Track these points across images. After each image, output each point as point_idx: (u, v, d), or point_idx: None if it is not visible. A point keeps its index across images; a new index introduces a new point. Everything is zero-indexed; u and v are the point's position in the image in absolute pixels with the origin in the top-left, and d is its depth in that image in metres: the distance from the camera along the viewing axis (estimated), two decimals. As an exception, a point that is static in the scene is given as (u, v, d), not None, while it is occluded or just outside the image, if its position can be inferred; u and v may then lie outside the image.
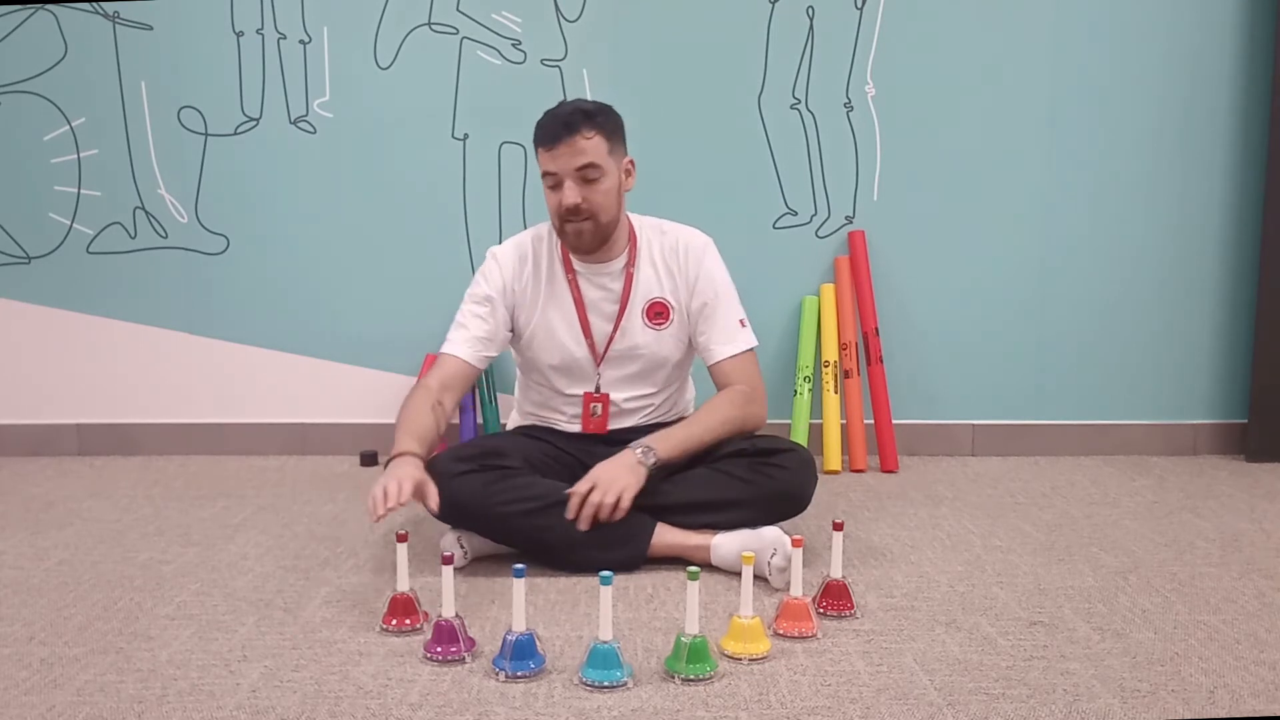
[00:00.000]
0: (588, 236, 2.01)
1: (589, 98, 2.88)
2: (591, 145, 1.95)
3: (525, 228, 2.89)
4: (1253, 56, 2.87)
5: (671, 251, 2.11)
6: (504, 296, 2.08)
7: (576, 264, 2.09)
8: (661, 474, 1.98)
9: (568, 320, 2.09)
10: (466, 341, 2.05)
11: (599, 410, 2.12)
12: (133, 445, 3.04)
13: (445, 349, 2.06)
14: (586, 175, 1.96)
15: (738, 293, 2.14)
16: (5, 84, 2.92)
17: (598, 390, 2.12)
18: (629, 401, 2.13)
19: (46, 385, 3.04)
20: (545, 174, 1.99)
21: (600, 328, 2.09)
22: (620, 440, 2.04)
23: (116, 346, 3.01)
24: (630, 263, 2.09)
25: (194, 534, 2.24)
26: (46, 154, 2.94)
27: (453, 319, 2.09)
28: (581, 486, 1.88)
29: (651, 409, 2.17)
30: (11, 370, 3.03)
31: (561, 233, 2.04)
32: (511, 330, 2.11)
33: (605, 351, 2.09)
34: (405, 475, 1.78)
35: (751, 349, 2.11)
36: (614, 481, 1.88)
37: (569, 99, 2.08)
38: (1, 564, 2.04)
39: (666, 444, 1.96)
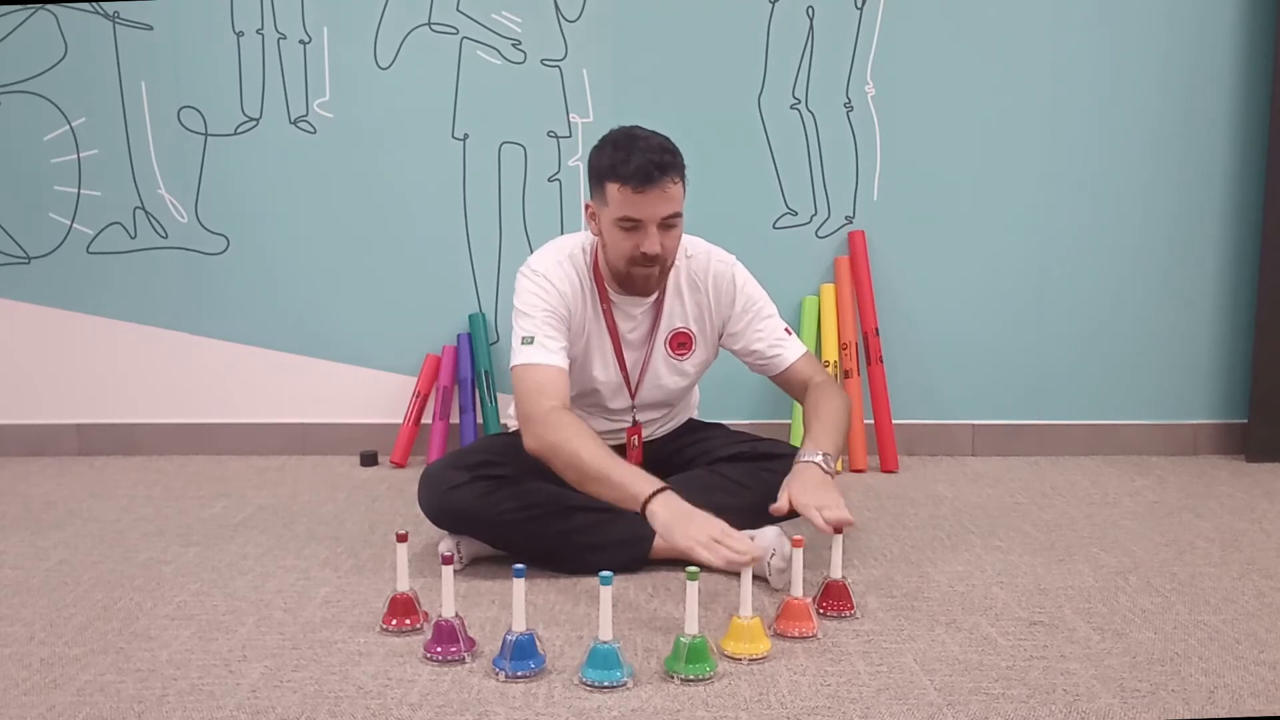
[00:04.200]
0: (653, 282, 1.93)
1: (587, 97, 2.90)
2: (678, 191, 1.86)
3: (525, 229, 2.92)
4: (1253, 57, 2.87)
5: (698, 277, 2.03)
6: (569, 312, 1.95)
7: (612, 294, 2.00)
8: (657, 471, 1.97)
9: (604, 353, 2.02)
10: (560, 350, 1.90)
11: (637, 442, 2.07)
12: (133, 445, 3.04)
13: (540, 360, 1.87)
14: (669, 222, 1.86)
15: None
16: (5, 84, 2.92)
17: (634, 423, 2.08)
18: (649, 425, 2.13)
19: (46, 385, 3.04)
20: (625, 218, 1.84)
21: (631, 360, 2.04)
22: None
23: (116, 346, 3.01)
24: (662, 292, 2.02)
25: (194, 534, 2.24)
26: (46, 154, 2.94)
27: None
28: (814, 515, 1.75)
29: (663, 420, 2.17)
30: (11, 370, 3.04)
31: (625, 275, 1.92)
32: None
33: (638, 386, 2.06)
34: (742, 539, 1.67)
35: (810, 351, 2.11)
36: (835, 499, 1.78)
37: (636, 128, 1.88)
38: (1, 564, 2.04)
39: (825, 443, 1.90)
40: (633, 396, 2.07)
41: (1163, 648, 1.62)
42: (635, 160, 1.81)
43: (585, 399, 2.08)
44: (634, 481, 1.74)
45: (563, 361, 1.90)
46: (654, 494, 1.71)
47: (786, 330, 2.08)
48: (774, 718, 1.40)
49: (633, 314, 2.02)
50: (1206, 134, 2.92)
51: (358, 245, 2.97)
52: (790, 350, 2.06)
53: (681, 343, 2.05)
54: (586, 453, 1.76)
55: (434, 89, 2.91)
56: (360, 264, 2.98)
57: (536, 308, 1.92)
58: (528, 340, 1.89)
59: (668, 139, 1.89)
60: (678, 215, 1.88)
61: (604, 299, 2.00)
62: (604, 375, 2.04)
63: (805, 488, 1.81)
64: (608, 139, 1.90)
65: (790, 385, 2.09)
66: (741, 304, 2.04)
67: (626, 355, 2.04)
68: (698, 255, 2.04)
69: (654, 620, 1.72)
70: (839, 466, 2.74)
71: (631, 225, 1.85)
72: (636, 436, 2.09)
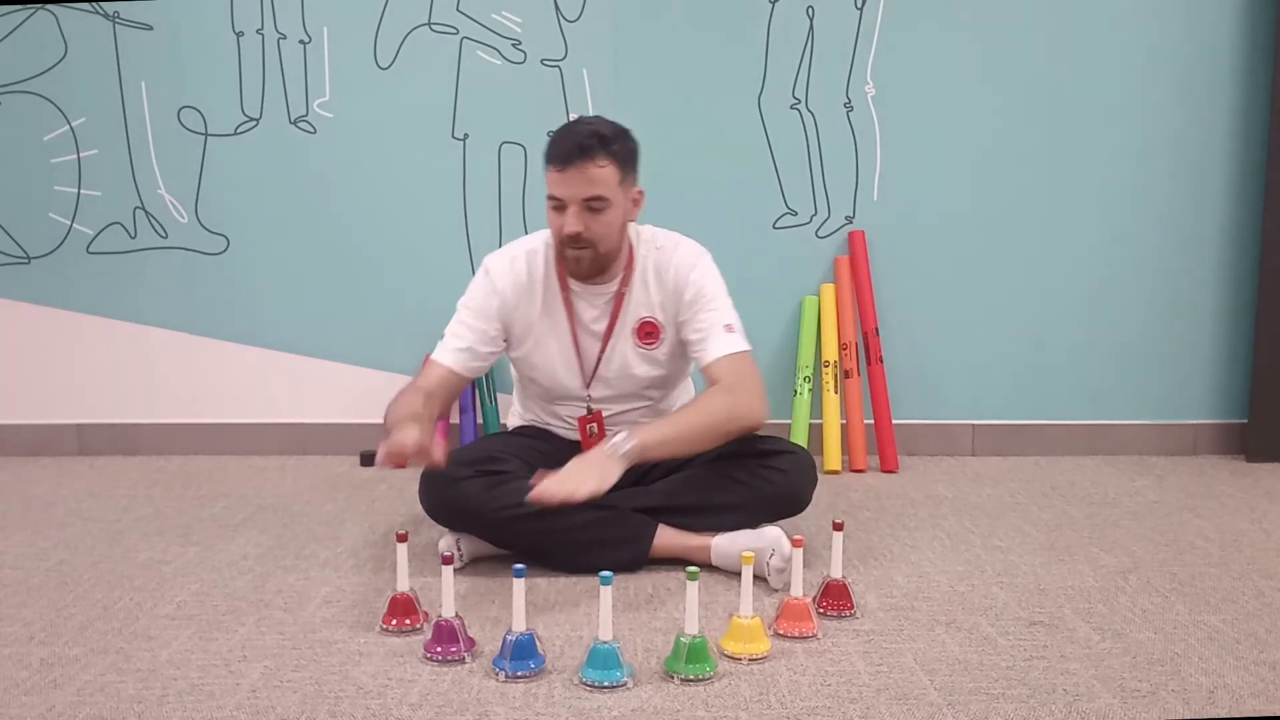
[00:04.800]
0: (585, 264, 1.97)
1: (587, 97, 2.90)
2: (603, 175, 1.89)
3: (525, 229, 2.92)
4: (1253, 57, 2.87)
5: (663, 268, 2.04)
6: (500, 311, 2.03)
7: (572, 282, 2.04)
8: (656, 470, 1.99)
9: (560, 339, 2.05)
10: (457, 351, 2.02)
11: (595, 430, 2.08)
12: (133, 445, 3.04)
13: (435, 356, 2.03)
14: (592, 205, 1.90)
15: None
16: (5, 84, 2.92)
17: (589, 411, 2.09)
18: (623, 415, 2.11)
19: (46, 385, 3.04)
20: (550, 196, 1.93)
21: (590, 347, 2.06)
22: None
23: (116, 346, 3.01)
24: (624, 282, 2.04)
25: (194, 534, 2.24)
26: (46, 154, 2.94)
27: (452, 320, 2.08)
28: (549, 482, 1.76)
29: (647, 414, 2.15)
30: (11, 370, 3.03)
31: (560, 255, 2.00)
32: (506, 341, 2.08)
33: (594, 373, 2.07)
34: (411, 432, 1.76)
35: (745, 351, 1.98)
36: (583, 480, 1.76)
37: (588, 116, 1.97)
38: (1, 564, 2.04)
39: (649, 434, 1.84)
40: (588, 384, 2.08)
41: (1163, 648, 1.62)
42: (562, 142, 1.90)
43: (551, 393, 2.11)
44: (396, 415, 1.86)
45: (450, 360, 2.01)
46: (394, 424, 1.83)
47: (727, 328, 1.98)
48: (774, 718, 1.40)
49: (595, 303, 2.05)
50: (1206, 134, 2.91)
51: (358, 245, 2.97)
52: (713, 348, 1.96)
53: (649, 332, 2.06)
54: (394, 401, 1.92)
55: (434, 89, 2.91)
56: (360, 264, 2.97)
57: (465, 306, 2.05)
58: (442, 336, 2.05)
59: (612, 127, 1.93)
60: (601, 199, 1.90)
61: (564, 288, 2.04)
62: (562, 363, 2.06)
63: (571, 466, 1.80)
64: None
65: (709, 385, 1.98)
66: (691, 294, 2.01)
67: (585, 342, 2.06)
68: (666, 247, 2.06)
69: (654, 620, 1.73)
70: (835, 464, 2.74)
71: (556, 204, 1.92)
72: (595, 424, 2.08)
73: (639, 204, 2.02)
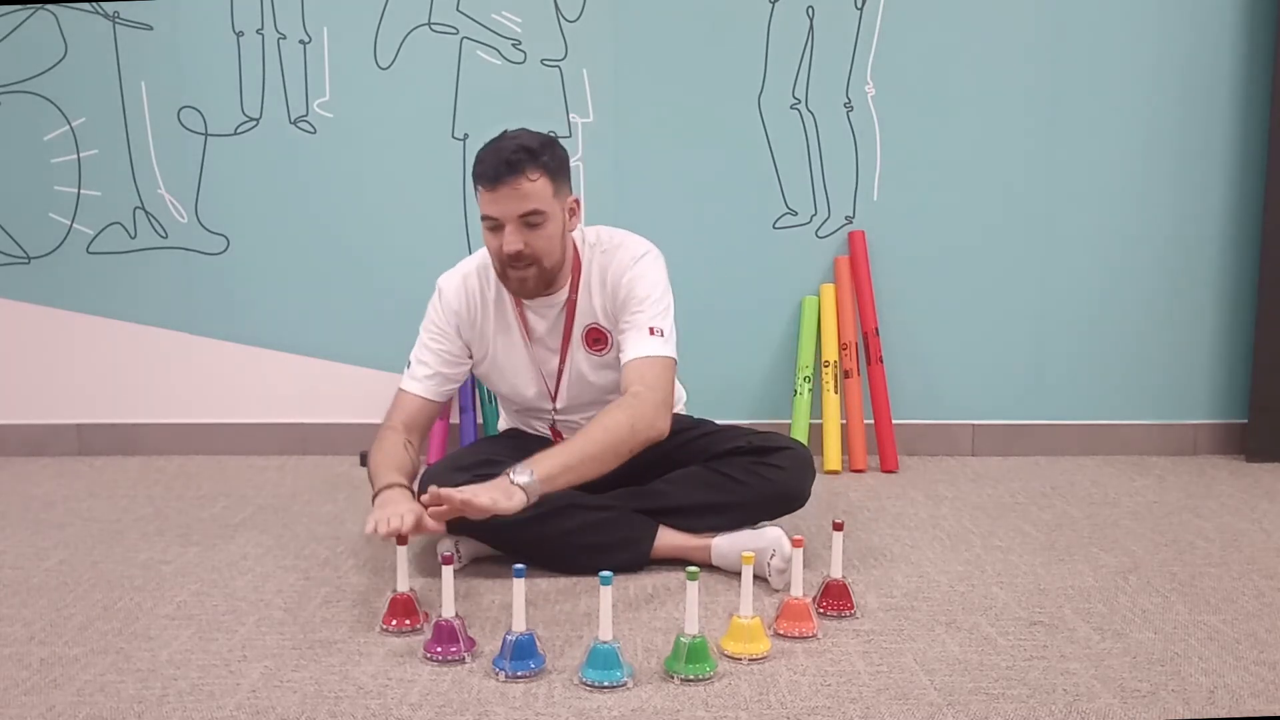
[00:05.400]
0: (531, 283, 1.91)
1: (587, 97, 2.90)
2: (536, 188, 1.84)
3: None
4: (1253, 56, 2.87)
5: (606, 270, 1.98)
6: (458, 329, 2.03)
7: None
8: (654, 471, 1.97)
9: (517, 355, 2.03)
10: (425, 378, 2.02)
11: None
12: (133, 445, 3.04)
13: (404, 386, 2.03)
14: (529, 221, 1.85)
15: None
16: (5, 84, 2.92)
17: (553, 426, 2.08)
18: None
19: (46, 385, 3.04)
20: (484, 216, 1.88)
21: (548, 361, 2.04)
22: None
23: (116, 346, 3.01)
24: (574, 289, 1.99)
25: (194, 534, 2.24)
26: (46, 154, 2.94)
27: (415, 345, 2.08)
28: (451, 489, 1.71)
29: None
30: (11, 370, 3.03)
31: (503, 277, 1.94)
32: (470, 356, 2.06)
33: (557, 388, 2.05)
34: (406, 509, 1.72)
35: (662, 356, 1.91)
36: (483, 492, 1.69)
37: (511, 130, 1.91)
38: (1, 564, 2.04)
39: (549, 463, 1.76)
40: (553, 399, 2.06)
41: (1163, 648, 1.62)
42: (488, 160, 1.84)
43: (523, 406, 2.10)
44: (382, 474, 1.87)
45: (422, 389, 2.02)
46: (383, 488, 1.83)
47: (651, 330, 1.93)
48: (774, 718, 1.40)
49: (546, 315, 2.01)
50: (1207, 133, 2.91)
51: (357, 245, 2.97)
52: (631, 349, 1.92)
53: (597, 338, 2.02)
54: (376, 451, 1.94)
55: (434, 89, 2.91)
56: (360, 264, 2.98)
57: (426, 329, 2.05)
58: (409, 364, 2.06)
59: (539, 139, 1.87)
60: (538, 213, 1.85)
61: (517, 303, 2.01)
62: (524, 379, 2.05)
63: (478, 486, 1.72)
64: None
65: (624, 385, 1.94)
66: (624, 295, 1.96)
67: (543, 357, 2.03)
68: (611, 249, 2.01)
69: (654, 620, 1.73)
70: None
71: (492, 224, 1.88)
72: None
73: (576, 213, 1.97)
